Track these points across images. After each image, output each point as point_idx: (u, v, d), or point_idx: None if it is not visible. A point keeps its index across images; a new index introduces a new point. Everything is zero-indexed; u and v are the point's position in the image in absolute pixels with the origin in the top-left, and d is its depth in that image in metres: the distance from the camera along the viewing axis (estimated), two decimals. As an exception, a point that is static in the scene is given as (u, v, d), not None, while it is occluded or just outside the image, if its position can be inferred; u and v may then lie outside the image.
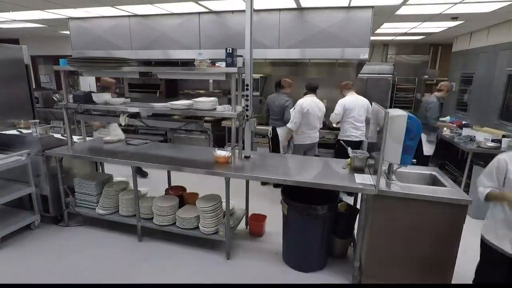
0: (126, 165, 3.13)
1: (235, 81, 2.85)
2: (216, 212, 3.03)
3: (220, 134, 5.69)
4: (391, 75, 7.95)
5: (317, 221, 2.71)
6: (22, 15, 5.43)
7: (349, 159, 2.90)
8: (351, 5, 4.02)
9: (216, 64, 2.89)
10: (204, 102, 2.99)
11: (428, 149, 4.70)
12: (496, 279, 2.16)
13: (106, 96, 3.39)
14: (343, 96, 4.54)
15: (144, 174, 5.27)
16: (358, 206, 2.81)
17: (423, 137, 4.59)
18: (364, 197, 2.52)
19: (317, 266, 2.89)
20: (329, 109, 5.49)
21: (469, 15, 4.88)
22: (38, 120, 3.73)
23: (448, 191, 2.39)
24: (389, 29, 6.38)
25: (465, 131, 4.75)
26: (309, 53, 4.36)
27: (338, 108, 4.39)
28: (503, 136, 4.23)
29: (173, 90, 6.39)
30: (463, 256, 2.38)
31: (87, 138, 3.91)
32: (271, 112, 4.65)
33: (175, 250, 3.17)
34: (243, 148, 3.20)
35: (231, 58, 2.76)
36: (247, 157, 3.20)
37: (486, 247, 2.17)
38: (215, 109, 2.98)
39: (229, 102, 3.04)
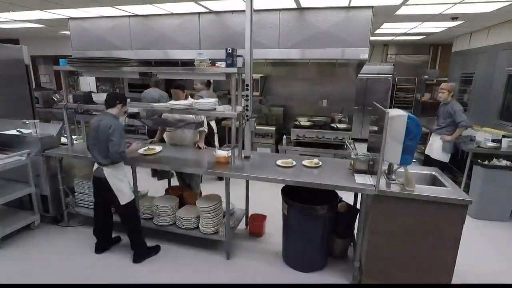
0: (126, 165, 3.12)
1: (235, 81, 2.85)
2: (216, 212, 3.03)
3: (220, 134, 5.68)
4: (391, 75, 7.97)
5: (317, 221, 2.71)
6: (22, 15, 5.43)
7: (351, 160, 2.89)
8: (351, 5, 4.02)
9: (216, 64, 2.89)
10: (204, 103, 3.00)
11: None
12: None
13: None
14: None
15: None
16: (358, 206, 2.82)
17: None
18: (364, 197, 2.52)
19: (317, 266, 2.89)
20: (329, 109, 5.53)
21: (469, 15, 4.89)
22: (38, 120, 3.72)
23: (448, 191, 2.39)
24: (389, 29, 6.38)
25: (465, 131, 4.75)
26: (309, 53, 4.36)
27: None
28: (503, 136, 4.22)
29: (173, 90, 6.37)
30: (463, 256, 2.38)
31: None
32: None
33: (175, 250, 3.17)
34: (243, 148, 3.20)
35: (231, 58, 2.76)
36: (247, 157, 3.19)
37: None
38: (215, 109, 2.98)
39: (229, 102, 3.04)
